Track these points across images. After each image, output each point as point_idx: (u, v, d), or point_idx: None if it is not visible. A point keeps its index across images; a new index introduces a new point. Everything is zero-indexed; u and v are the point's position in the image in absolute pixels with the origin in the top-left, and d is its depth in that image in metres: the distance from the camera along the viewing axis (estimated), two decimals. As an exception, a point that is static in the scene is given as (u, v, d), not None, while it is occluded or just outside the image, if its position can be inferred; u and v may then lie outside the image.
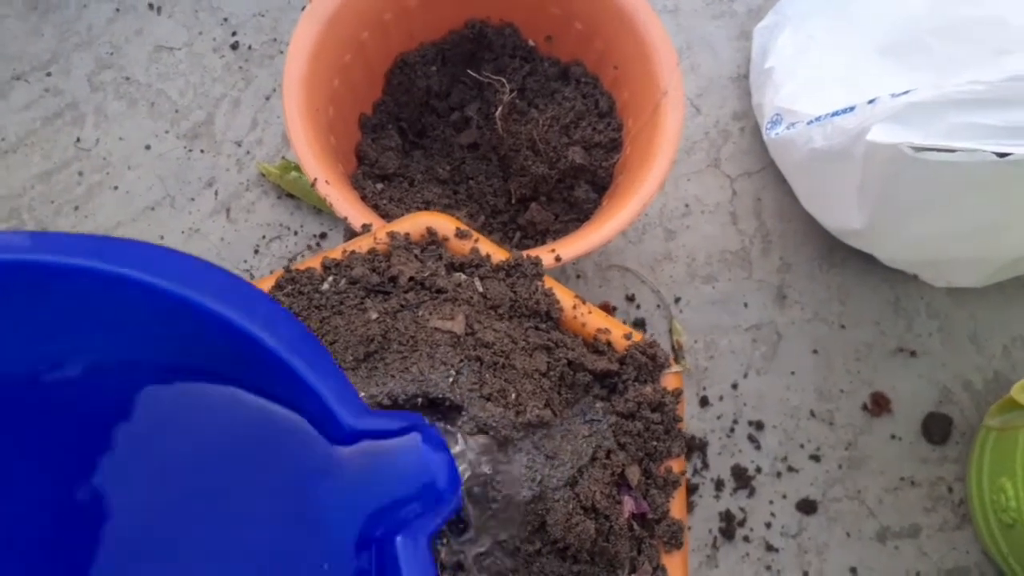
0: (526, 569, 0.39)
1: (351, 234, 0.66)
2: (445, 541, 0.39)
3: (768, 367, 0.66)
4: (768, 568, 0.62)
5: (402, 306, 0.42)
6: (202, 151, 0.68)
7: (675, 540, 0.42)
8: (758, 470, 0.64)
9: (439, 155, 0.63)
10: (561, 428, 0.42)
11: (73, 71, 0.69)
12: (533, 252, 0.49)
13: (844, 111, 0.53)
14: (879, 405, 0.65)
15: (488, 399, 0.40)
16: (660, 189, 0.52)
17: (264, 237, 0.66)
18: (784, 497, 0.64)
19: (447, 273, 0.45)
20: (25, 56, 0.69)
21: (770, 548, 0.62)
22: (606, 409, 0.43)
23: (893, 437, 0.65)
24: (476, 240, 0.46)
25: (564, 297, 0.45)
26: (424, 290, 0.44)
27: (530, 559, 0.39)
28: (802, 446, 0.65)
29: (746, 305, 0.67)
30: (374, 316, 0.41)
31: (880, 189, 0.53)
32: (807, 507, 0.63)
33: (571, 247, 0.51)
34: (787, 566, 0.62)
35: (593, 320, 0.45)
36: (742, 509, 0.63)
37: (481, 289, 0.45)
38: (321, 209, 0.67)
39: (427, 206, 0.59)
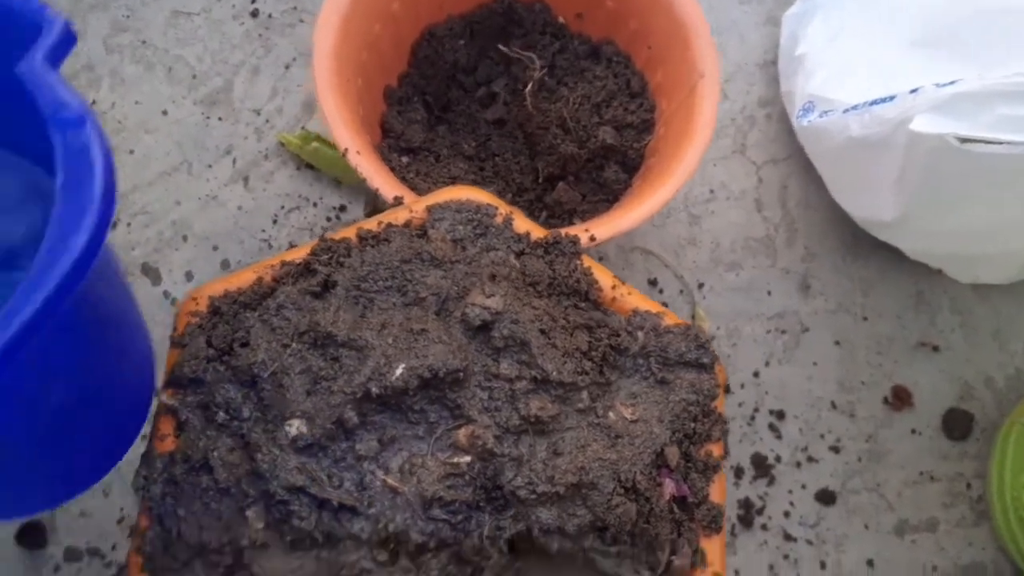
0: (568, 547, 0.38)
1: (371, 207, 0.65)
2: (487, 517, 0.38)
3: (790, 357, 0.65)
4: (786, 557, 0.62)
5: (443, 277, 0.41)
6: (220, 118, 0.66)
7: (715, 524, 0.41)
8: (778, 459, 0.63)
9: (464, 131, 0.62)
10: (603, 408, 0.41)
11: (88, 32, 0.68)
12: (565, 231, 0.48)
13: (883, 100, 0.53)
14: (900, 399, 0.65)
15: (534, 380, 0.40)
16: (695, 171, 0.51)
17: (283, 207, 0.65)
18: (803, 487, 0.63)
19: (484, 249, 0.44)
20: (40, 15, 0.67)
21: (788, 537, 0.62)
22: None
23: (913, 431, 0.65)
24: (512, 216, 0.45)
25: (603, 276, 0.44)
26: (462, 264, 0.42)
27: (571, 538, 0.38)
28: (822, 437, 0.64)
29: (770, 293, 0.66)
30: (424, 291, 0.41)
31: (919, 180, 0.52)
32: (826, 498, 0.63)
33: (605, 227, 0.50)
34: (804, 556, 0.62)
35: (632, 301, 0.44)
36: (761, 497, 0.63)
37: (518, 266, 0.44)
38: (341, 181, 0.65)
39: (453, 182, 0.58)
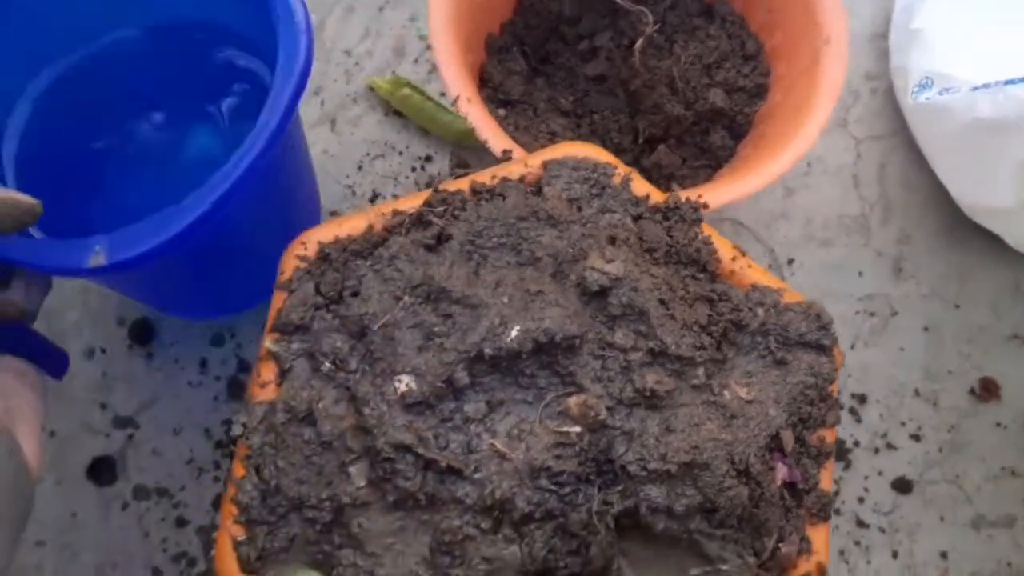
0: (674, 528, 0.37)
1: (457, 160, 0.63)
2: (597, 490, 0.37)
3: (877, 340, 0.63)
4: (857, 543, 0.60)
5: (559, 238, 0.40)
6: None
7: (823, 513, 0.40)
8: (856, 444, 0.62)
9: (562, 85, 0.60)
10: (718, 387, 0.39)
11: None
12: (685, 194, 0.46)
13: (1021, 80, 0.50)
14: (988, 391, 0.63)
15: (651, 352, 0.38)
16: (816, 141, 0.49)
17: (368, 154, 0.63)
18: (880, 474, 0.62)
19: (600, 211, 0.42)
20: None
21: (861, 524, 0.61)
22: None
23: (998, 425, 0.63)
24: (631, 177, 0.43)
25: (723, 247, 0.43)
26: (578, 225, 0.41)
27: (678, 519, 0.37)
28: (903, 424, 0.62)
29: (861, 274, 0.64)
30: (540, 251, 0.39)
31: (1051, 166, 0.49)
32: (902, 486, 0.61)
33: (718, 193, 0.48)
34: (876, 543, 0.61)
35: (751, 275, 0.43)
36: (836, 481, 0.61)
37: (635, 230, 0.42)
38: (428, 131, 0.64)
39: (552, 137, 0.56)
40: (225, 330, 0.60)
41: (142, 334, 0.58)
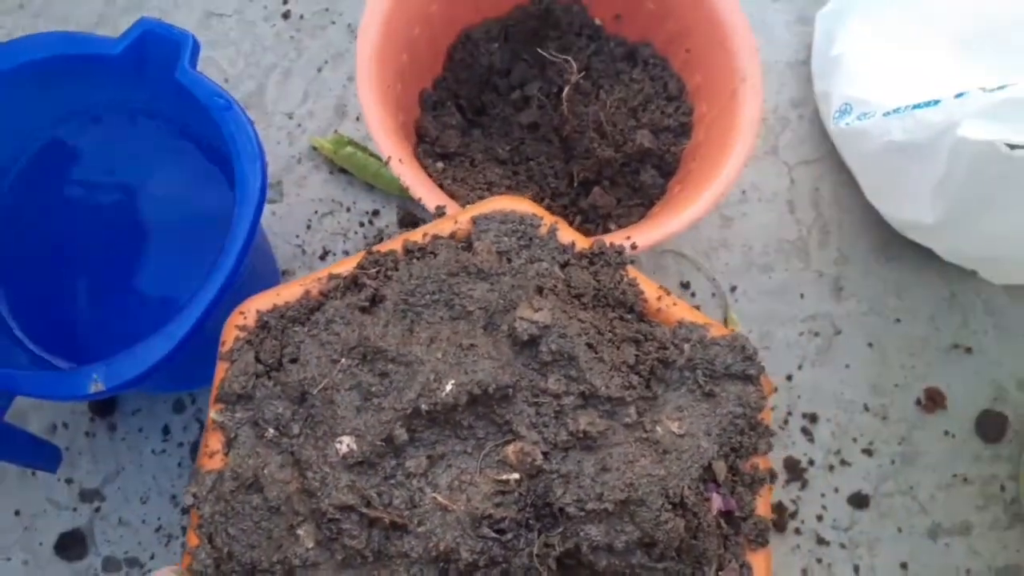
0: (616, 564, 0.38)
1: (404, 213, 0.65)
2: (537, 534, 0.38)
3: (823, 359, 0.65)
4: (819, 561, 0.62)
5: (489, 290, 0.41)
6: (252, 122, 0.66)
7: (761, 538, 0.41)
8: (811, 463, 0.63)
9: (498, 135, 0.62)
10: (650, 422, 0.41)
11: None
12: (608, 238, 0.48)
13: (927, 104, 0.52)
14: (933, 401, 0.65)
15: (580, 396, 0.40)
16: (737, 178, 0.51)
17: (316, 212, 0.65)
18: (836, 491, 0.63)
19: (528, 261, 0.44)
20: (71, 17, 0.67)
21: (821, 541, 0.62)
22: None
23: (947, 434, 0.64)
24: (557, 226, 0.45)
25: (648, 288, 0.44)
26: (508, 277, 0.42)
27: (619, 555, 0.38)
28: (855, 440, 0.64)
29: (802, 296, 0.66)
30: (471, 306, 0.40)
31: (962, 185, 0.51)
32: (859, 501, 0.63)
33: (647, 234, 0.50)
34: (837, 559, 0.62)
35: (677, 312, 0.44)
36: (794, 501, 0.63)
37: (563, 277, 0.44)
38: (374, 185, 0.65)
39: (489, 187, 0.58)
40: (186, 396, 0.61)
41: (104, 406, 0.59)
